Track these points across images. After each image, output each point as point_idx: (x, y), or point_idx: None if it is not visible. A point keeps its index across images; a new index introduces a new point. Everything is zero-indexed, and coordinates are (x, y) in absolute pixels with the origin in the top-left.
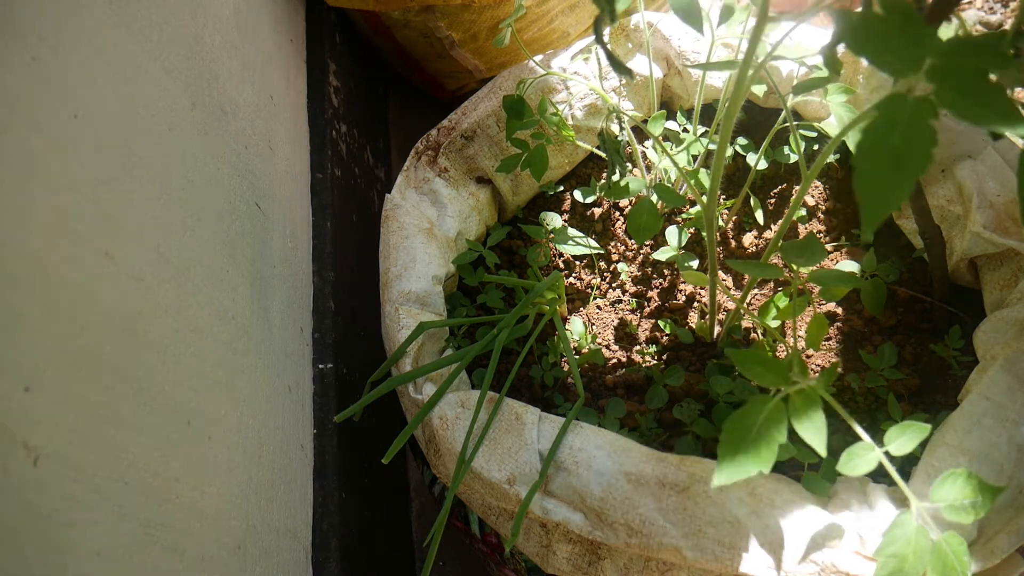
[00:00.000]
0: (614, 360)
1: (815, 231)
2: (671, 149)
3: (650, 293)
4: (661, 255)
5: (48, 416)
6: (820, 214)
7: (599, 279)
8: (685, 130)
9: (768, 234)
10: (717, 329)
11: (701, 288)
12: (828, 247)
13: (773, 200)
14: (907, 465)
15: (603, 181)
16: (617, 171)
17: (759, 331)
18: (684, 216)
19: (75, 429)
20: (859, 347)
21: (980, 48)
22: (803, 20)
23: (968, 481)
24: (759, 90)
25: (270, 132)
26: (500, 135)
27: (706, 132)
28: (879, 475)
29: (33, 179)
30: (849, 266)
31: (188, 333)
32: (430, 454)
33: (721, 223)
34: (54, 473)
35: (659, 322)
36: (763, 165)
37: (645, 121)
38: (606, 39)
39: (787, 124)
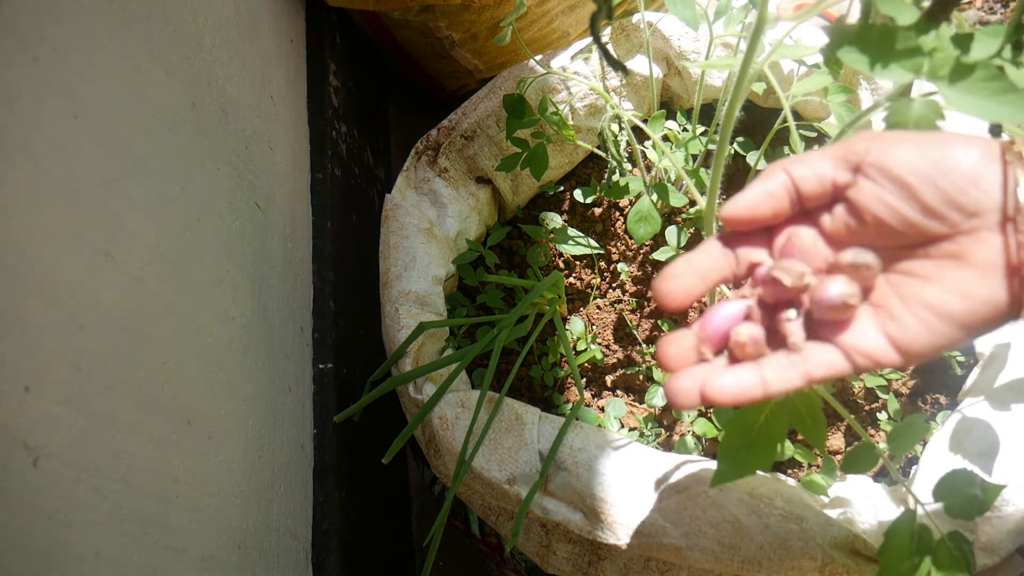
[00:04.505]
0: (614, 360)
1: None
2: (671, 149)
3: (650, 293)
4: (661, 255)
5: (48, 416)
6: None
7: (599, 279)
8: (685, 130)
9: None
10: None
11: None
12: None
13: None
14: (907, 465)
15: (603, 181)
16: (617, 171)
17: None
18: (684, 216)
19: (75, 429)
20: None
21: (981, 44)
22: (802, 21)
23: (969, 480)
24: (759, 88)
25: (270, 132)
26: (500, 135)
27: (706, 132)
28: (880, 474)
29: (33, 179)
30: None
31: (188, 333)
32: (430, 454)
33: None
34: (54, 473)
35: (659, 322)
36: (763, 165)
37: (645, 121)
38: (604, 37)
39: (787, 124)
